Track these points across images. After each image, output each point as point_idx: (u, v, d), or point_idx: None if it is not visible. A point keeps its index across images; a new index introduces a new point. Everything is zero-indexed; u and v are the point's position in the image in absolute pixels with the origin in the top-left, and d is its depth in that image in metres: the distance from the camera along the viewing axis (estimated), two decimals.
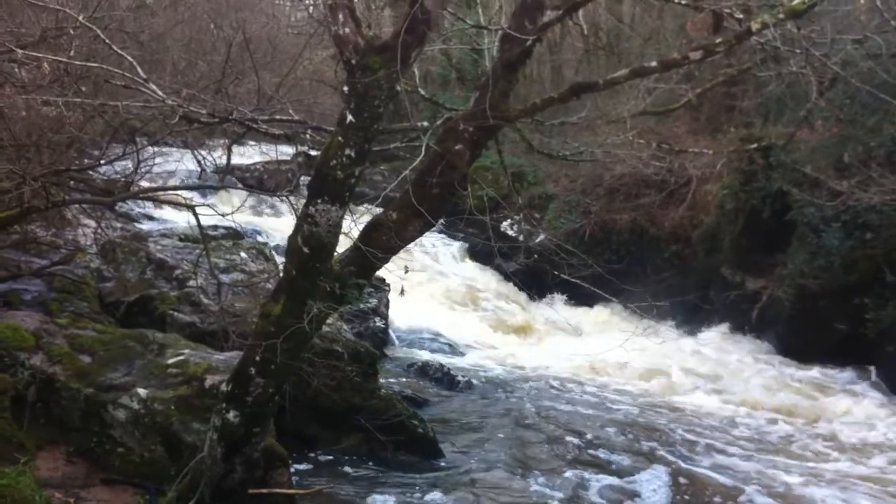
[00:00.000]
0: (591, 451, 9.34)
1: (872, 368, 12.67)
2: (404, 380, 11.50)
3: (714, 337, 14.76)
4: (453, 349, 13.57)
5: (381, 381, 9.71)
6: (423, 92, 7.50)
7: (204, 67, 10.53)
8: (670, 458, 9.31)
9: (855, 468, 9.43)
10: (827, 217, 12.58)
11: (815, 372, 12.91)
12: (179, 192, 8.31)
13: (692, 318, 15.24)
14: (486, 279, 17.60)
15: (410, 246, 7.05)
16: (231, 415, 5.62)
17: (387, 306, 12.79)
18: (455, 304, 15.88)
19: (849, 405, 11.53)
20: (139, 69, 6.31)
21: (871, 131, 12.22)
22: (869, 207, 11.82)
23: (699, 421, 10.92)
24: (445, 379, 11.61)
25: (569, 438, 9.66)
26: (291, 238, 5.41)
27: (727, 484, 8.67)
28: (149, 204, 12.83)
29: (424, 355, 12.88)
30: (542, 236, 14.60)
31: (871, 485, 8.95)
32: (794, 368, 13.07)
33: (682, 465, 9.12)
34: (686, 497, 8.35)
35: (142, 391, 6.76)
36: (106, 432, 6.71)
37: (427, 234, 17.43)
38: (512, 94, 6.07)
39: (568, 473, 8.61)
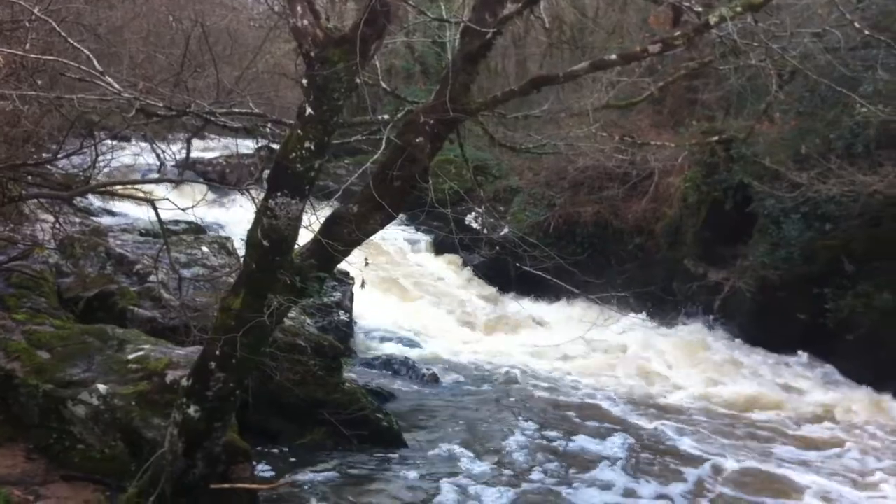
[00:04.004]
0: (553, 439, 9.50)
1: (833, 358, 12.83)
2: (369, 373, 11.49)
3: (677, 327, 14.89)
4: (418, 342, 13.57)
5: (346, 374, 9.70)
6: (384, 85, 7.48)
7: (163, 60, 10.42)
8: (628, 441, 9.49)
9: (812, 453, 9.57)
10: (787, 209, 12.72)
11: (775, 362, 13.06)
12: (139, 187, 8.22)
13: (656, 310, 15.34)
14: (450, 272, 17.64)
15: (375, 238, 7.06)
16: (192, 410, 5.58)
17: (351, 300, 12.75)
18: (420, 297, 15.87)
19: (808, 393, 11.69)
20: (95, 62, 6.23)
21: (830, 124, 12.37)
22: (828, 199, 11.96)
23: (659, 408, 11.07)
24: (410, 372, 11.63)
25: (531, 427, 9.80)
26: (251, 231, 5.38)
27: (683, 469, 8.83)
28: (108, 198, 12.69)
29: (389, 348, 12.88)
30: (505, 229, 14.65)
31: (826, 469, 9.13)
32: (756, 358, 13.21)
33: (640, 451, 9.26)
34: (643, 479, 8.50)
35: (101, 387, 6.70)
36: (65, 429, 6.65)
37: (392, 227, 17.44)
38: (476, 88, 6.09)
39: (530, 462, 8.75)
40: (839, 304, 12.20)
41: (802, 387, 12.02)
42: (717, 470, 8.79)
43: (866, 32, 8.77)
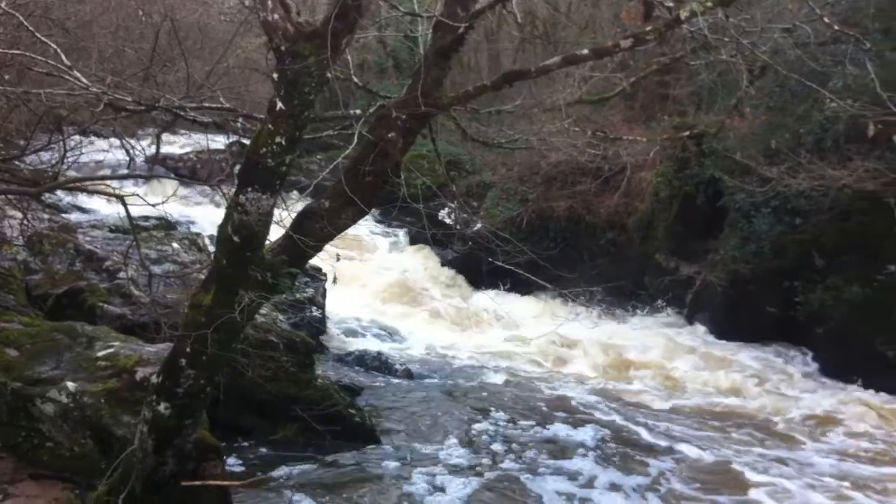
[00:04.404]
0: (524, 430, 9.60)
1: (802, 350, 12.95)
2: (342, 369, 11.46)
3: (649, 321, 14.98)
4: (391, 337, 13.58)
5: (318, 370, 9.69)
6: (356, 80, 7.45)
7: (132, 55, 10.32)
8: (598, 432, 9.61)
9: (782, 445, 9.66)
10: (757, 203, 12.83)
11: (746, 355, 13.18)
12: (108, 182, 8.14)
13: (628, 304, 15.44)
14: (424, 267, 17.63)
15: (347, 234, 7.03)
16: (162, 407, 5.52)
17: (323, 296, 12.71)
18: (393, 292, 15.87)
19: (777, 387, 11.79)
20: (63, 57, 6.16)
21: (800, 119, 12.48)
22: (798, 193, 12.07)
23: (629, 400, 11.16)
24: (383, 367, 11.61)
25: (503, 419, 9.89)
26: (221, 227, 5.32)
27: (648, 460, 8.93)
28: (77, 194, 12.58)
29: (362, 344, 12.86)
30: (478, 224, 14.65)
31: (793, 457, 9.26)
32: (727, 351, 13.33)
33: (608, 442, 9.36)
34: (610, 469, 8.61)
35: (71, 385, 6.63)
36: (34, 426, 6.57)
37: (366, 222, 17.35)
38: (449, 83, 6.09)
39: (501, 454, 8.85)
40: (809, 298, 12.34)
41: (772, 380, 12.12)
42: (680, 461, 8.89)
43: (836, 28, 8.84)
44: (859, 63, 9.72)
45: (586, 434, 9.56)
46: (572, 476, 8.38)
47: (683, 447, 9.29)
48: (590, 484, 8.23)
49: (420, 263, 17.80)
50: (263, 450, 8.32)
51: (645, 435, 9.70)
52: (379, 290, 15.88)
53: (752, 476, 8.56)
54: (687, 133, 14.15)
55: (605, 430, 9.70)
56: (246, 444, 8.34)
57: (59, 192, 12.91)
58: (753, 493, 8.24)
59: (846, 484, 8.53)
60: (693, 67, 13.47)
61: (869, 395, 11.40)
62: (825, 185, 11.57)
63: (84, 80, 5.79)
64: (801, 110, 12.44)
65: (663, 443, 9.45)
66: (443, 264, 17.72)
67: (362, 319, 14.06)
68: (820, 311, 12.24)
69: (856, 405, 11.05)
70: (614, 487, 8.20)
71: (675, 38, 11.85)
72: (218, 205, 16.13)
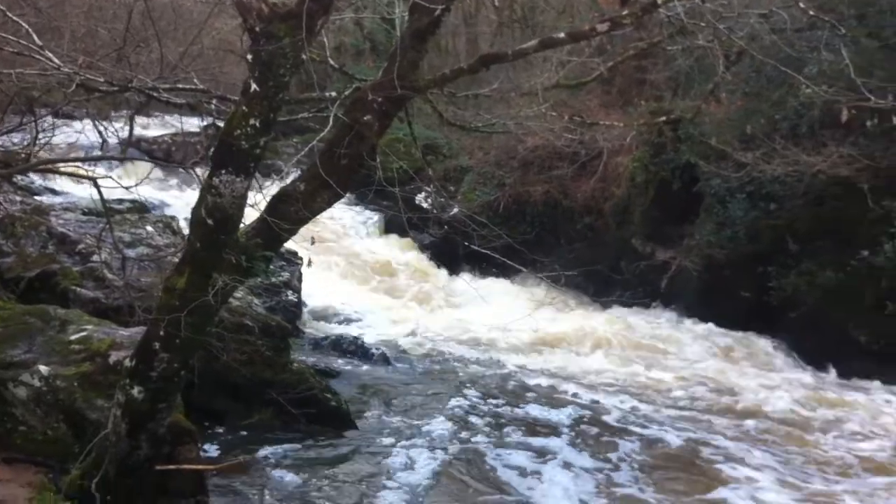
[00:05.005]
0: (497, 411, 9.74)
1: (776, 335, 13.05)
2: (318, 353, 11.44)
3: (624, 306, 15.03)
4: (367, 322, 13.55)
5: (294, 354, 9.67)
6: (332, 62, 7.40)
7: (105, 35, 10.19)
8: (571, 414, 9.73)
9: (755, 427, 9.73)
10: (732, 188, 12.88)
11: (721, 339, 13.27)
12: (81, 164, 8.05)
13: (604, 289, 15.47)
14: (401, 252, 17.58)
15: (323, 218, 7.00)
16: (135, 391, 5.49)
17: (299, 280, 12.66)
18: (369, 276, 15.84)
19: (752, 370, 11.88)
20: (35, 36, 6.09)
21: (776, 104, 12.52)
22: (773, 179, 12.13)
23: (603, 383, 11.25)
24: (359, 351, 11.58)
25: (478, 402, 9.99)
26: (195, 209, 5.28)
27: (617, 440, 9.06)
28: (50, 177, 12.45)
29: (338, 328, 12.86)
30: (455, 209, 14.64)
31: (768, 442, 9.33)
32: (700, 335, 13.41)
33: (584, 424, 9.47)
34: (583, 449, 8.75)
35: (44, 368, 6.57)
36: (6, 410, 6.50)
37: (342, 206, 17.28)
38: (427, 67, 6.06)
39: (475, 434, 8.99)
40: (783, 283, 12.42)
41: (744, 364, 12.20)
42: (648, 444, 8.99)
43: (811, 13, 8.88)
44: (834, 49, 9.78)
45: (560, 415, 9.66)
46: (540, 453, 8.52)
47: (654, 431, 9.38)
48: (556, 462, 8.36)
49: (396, 248, 17.77)
50: (238, 433, 8.31)
51: (615, 417, 9.81)
52: (355, 274, 15.83)
53: (716, 458, 8.62)
54: (663, 118, 14.18)
55: (578, 412, 9.79)
56: (221, 427, 8.32)
57: (32, 175, 12.79)
58: (713, 474, 8.33)
59: (815, 470, 8.62)
60: (670, 53, 13.49)
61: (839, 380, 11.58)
62: (800, 171, 11.64)
63: (56, 60, 5.72)
64: (777, 96, 12.48)
65: (634, 426, 9.53)
66: (420, 249, 17.70)
67: (338, 304, 14.02)
68: (794, 295, 12.33)
69: (828, 390, 11.16)
70: (581, 466, 8.31)
71: (653, 24, 11.91)
72: (193, 187, 16.04)
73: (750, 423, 9.92)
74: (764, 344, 12.99)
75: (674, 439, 9.15)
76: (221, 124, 5.86)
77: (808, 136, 11.87)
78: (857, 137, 11.35)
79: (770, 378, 11.66)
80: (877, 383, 11.37)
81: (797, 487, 8.13)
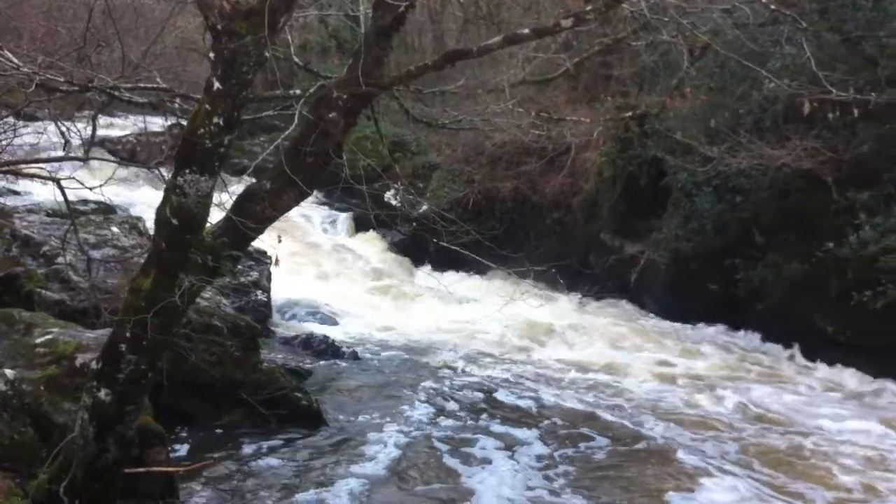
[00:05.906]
0: (465, 404, 9.78)
1: (743, 327, 13.17)
2: (288, 353, 11.40)
3: (594, 301, 15.12)
4: (337, 320, 13.51)
5: (264, 354, 9.61)
6: (296, 59, 7.38)
7: (65, 35, 10.07)
8: (541, 409, 9.79)
9: (720, 423, 9.74)
10: (699, 182, 12.98)
11: (689, 331, 13.40)
12: (43, 166, 7.95)
13: (574, 283, 15.55)
14: (369, 249, 17.58)
15: (291, 216, 6.96)
16: (102, 393, 5.44)
17: (268, 279, 12.60)
18: (338, 274, 15.81)
19: (719, 361, 11.97)
20: None
21: (740, 99, 12.62)
22: (738, 172, 12.23)
23: (573, 377, 11.25)
24: (330, 350, 11.54)
25: (447, 396, 10.05)
26: (160, 210, 5.24)
27: (586, 431, 9.12)
28: (12, 178, 12.28)
29: (308, 327, 12.79)
30: (424, 206, 14.64)
31: (728, 432, 9.36)
32: (670, 329, 13.51)
33: (555, 417, 9.49)
34: (551, 441, 8.76)
35: (9, 372, 6.49)
36: None
37: (310, 204, 17.21)
38: (394, 64, 6.06)
39: (443, 426, 9.08)
40: (749, 275, 12.54)
41: (713, 356, 12.28)
42: (616, 438, 8.97)
43: (773, 8, 8.98)
44: (797, 43, 9.88)
45: (529, 407, 9.76)
46: (505, 445, 8.56)
47: (624, 423, 9.38)
48: (519, 453, 8.41)
49: (365, 245, 17.76)
50: (208, 435, 8.24)
51: (583, 409, 9.85)
52: (325, 272, 15.80)
53: (685, 456, 8.60)
54: (629, 114, 14.26)
55: (547, 406, 9.84)
56: (190, 429, 8.25)
57: None
58: (680, 468, 8.32)
59: (784, 458, 8.69)
60: (635, 48, 13.57)
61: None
62: (764, 164, 11.76)
63: (15, 59, 5.64)
64: (741, 90, 12.58)
65: (604, 417, 9.57)
66: (388, 246, 17.71)
67: (308, 303, 13.96)
68: (760, 287, 12.45)
69: (791, 383, 11.25)
70: (547, 457, 8.37)
71: (617, 19, 11.96)
72: (158, 188, 15.89)
73: (722, 411, 10.00)
74: (732, 334, 13.12)
75: (643, 432, 9.18)
76: (185, 123, 5.81)
77: (772, 129, 11.98)
78: (819, 130, 11.47)
79: (737, 367, 11.75)
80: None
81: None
